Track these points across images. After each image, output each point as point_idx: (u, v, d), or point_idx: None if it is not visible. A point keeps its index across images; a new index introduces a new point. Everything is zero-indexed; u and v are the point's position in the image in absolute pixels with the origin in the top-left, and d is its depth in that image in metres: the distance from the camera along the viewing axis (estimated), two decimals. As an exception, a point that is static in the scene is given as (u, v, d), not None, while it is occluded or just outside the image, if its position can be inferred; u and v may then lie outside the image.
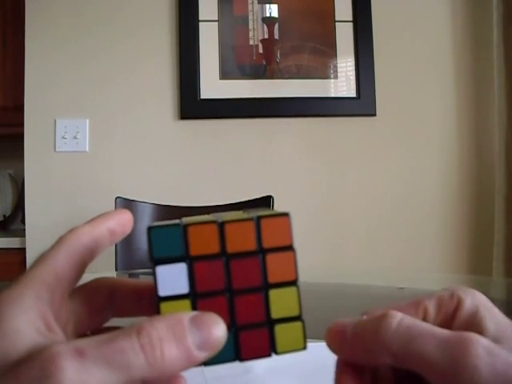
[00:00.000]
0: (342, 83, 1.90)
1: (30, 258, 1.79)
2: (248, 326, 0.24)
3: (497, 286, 1.19)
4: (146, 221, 1.60)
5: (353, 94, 1.89)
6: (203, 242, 0.24)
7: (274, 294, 0.24)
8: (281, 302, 0.24)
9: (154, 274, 0.24)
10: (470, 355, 0.21)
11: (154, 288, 0.24)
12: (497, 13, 1.83)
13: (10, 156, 2.26)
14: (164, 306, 0.24)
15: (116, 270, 1.47)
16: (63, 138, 1.82)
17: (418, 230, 1.89)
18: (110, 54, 1.85)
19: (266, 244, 0.24)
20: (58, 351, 0.20)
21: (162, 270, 0.24)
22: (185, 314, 0.22)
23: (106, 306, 0.28)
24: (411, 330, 0.23)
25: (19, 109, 1.84)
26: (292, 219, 0.25)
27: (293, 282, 0.25)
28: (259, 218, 0.24)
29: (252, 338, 0.24)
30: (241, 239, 0.24)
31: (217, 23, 1.88)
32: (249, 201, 1.60)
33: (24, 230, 1.82)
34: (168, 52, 1.88)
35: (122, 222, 0.28)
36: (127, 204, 1.62)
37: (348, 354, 0.24)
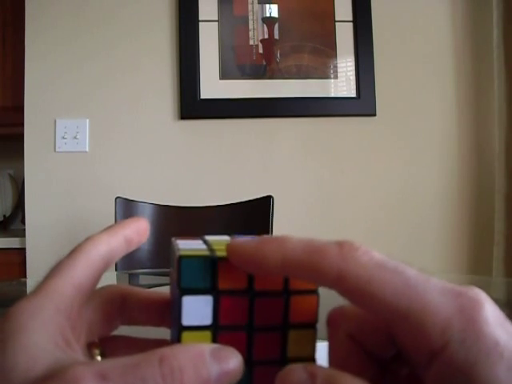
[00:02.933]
0: (342, 83, 1.90)
1: (30, 258, 1.79)
2: (263, 362, 0.25)
3: (497, 286, 1.19)
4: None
5: (353, 93, 1.89)
6: (232, 276, 0.24)
7: (292, 334, 0.25)
8: (298, 342, 0.25)
9: (178, 302, 0.24)
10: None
11: (172, 307, 0.24)
12: (497, 13, 1.83)
13: (10, 156, 2.26)
14: (185, 335, 0.24)
15: (116, 269, 1.47)
16: (63, 138, 1.82)
17: (418, 230, 1.89)
18: (110, 54, 1.85)
19: (292, 285, 0.25)
20: (82, 374, 0.19)
21: (189, 301, 0.24)
22: (206, 345, 0.22)
23: (117, 315, 0.28)
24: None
25: (19, 109, 1.84)
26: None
27: (312, 325, 0.25)
28: None
29: (265, 374, 0.25)
30: (269, 277, 0.24)
31: (217, 23, 1.88)
32: (249, 201, 1.60)
33: (24, 230, 1.82)
34: (168, 52, 1.88)
35: (139, 230, 0.28)
36: (127, 204, 1.62)
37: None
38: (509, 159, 1.80)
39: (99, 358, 0.25)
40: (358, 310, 0.24)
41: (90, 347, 0.26)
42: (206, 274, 0.24)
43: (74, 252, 0.25)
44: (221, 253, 0.24)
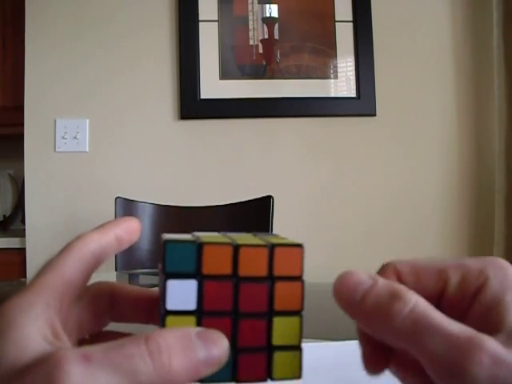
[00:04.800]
0: (342, 83, 1.90)
1: (30, 258, 1.79)
2: (248, 349, 0.25)
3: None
4: (146, 221, 1.60)
5: (353, 94, 1.89)
6: (216, 261, 0.24)
7: (277, 321, 0.25)
8: (283, 330, 0.25)
9: (163, 287, 0.24)
10: (472, 362, 0.20)
11: (160, 299, 0.24)
12: (497, 13, 1.83)
13: (10, 156, 2.26)
14: (170, 319, 0.24)
15: (116, 269, 1.47)
16: (63, 138, 1.82)
17: (418, 230, 1.89)
18: (110, 54, 1.85)
19: (277, 272, 0.25)
20: (64, 356, 0.20)
21: (173, 285, 0.24)
22: (192, 328, 0.22)
23: (106, 311, 0.28)
24: (421, 322, 0.22)
25: (19, 109, 1.84)
26: (305, 251, 0.25)
27: (297, 312, 0.25)
28: (273, 245, 0.25)
29: (250, 361, 0.25)
30: (253, 264, 0.25)
31: (217, 23, 1.88)
32: (249, 201, 1.60)
33: (24, 230, 1.82)
34: (168, 52, 1.87)
35: (130, 229, 0.28)
36: (127, 204, 1.62)
37: (353, 315, 0.24)
38: (509, 159, 1.80)
39: None
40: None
41: (80, 344, 0.26)
42: (191, 259, 0.24)
43: (64, 249, 0.26)
44: (206, 239, 0.25)
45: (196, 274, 0.24)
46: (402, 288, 0.23)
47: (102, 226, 0.28)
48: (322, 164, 1.89)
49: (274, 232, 1.51)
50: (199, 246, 0.24)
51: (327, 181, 1.88)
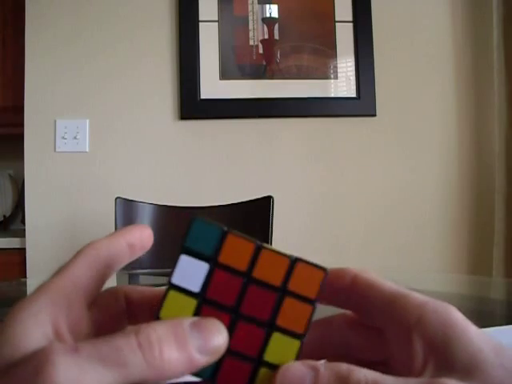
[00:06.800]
0: (342, 83, 1.90)
1: (30, 258, 1.79)
2: (237, 353, 0.24)
3: (497, 285, 1.19)
4: (146, 221, 1.61)
5: (353, 94, 1.89)
6: (235, 254, 0.24)
7: (276, 337, 0.24)
8: (279, 348, 0.24)
9: (176, 261, 0.24)
10: None
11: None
12: (497, 13, 1.83)
13: (10, 156, 2.26)
14: (171, 294, 0.24)
15: (116, 270, 1.47)
16: (63, 138, 1.82)
17: (418, 230, 1.89)
18: (110, 54, 1.85)
19: (291, 287, 0.24)
20: (52, 348, 0.19)
21: (185, 261, 0.24)
22: (185, 318, 0.22)
23: (123, 314, 0.28)
24: None
25: (19, 109, 1.84)
26: (327, 278, 0.24)
27: (299, 335, 0.24)
28: (297, 259, 0.24)
29: (235, 367, 0.24)
30: (270, 270, 0.24)
31: (217, 23, 1.88)
32: (249, 201, 1.60)
33: (24, 230, 1.82)
34: (168, 52, 1.88)
35: (142, 237, 0.28)
36: (127, 204, 1.62)
37: None
38: (509, 159, 1.80)
39: None
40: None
41: None
42: (212, 242, 0.24)
43: (74, 256, 0.25)
44: (234, 230, 0.24)
45: (211, 258, 0.24)
46: (344, 368, 0.22)
47: (112, 234, 0.27)
48: (322, 164, 1.89)
49: (274, 232, 1.51)
50: (224, 233, 0.24)
51: (327, 181, 1.88)
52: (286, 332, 0.24)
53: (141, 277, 1.25)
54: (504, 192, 1.80)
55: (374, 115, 1.89)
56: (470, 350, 0.21)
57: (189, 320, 0.22)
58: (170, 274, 0.24)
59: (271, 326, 0.24)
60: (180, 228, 1.60)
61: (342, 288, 0.26)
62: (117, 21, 1.86)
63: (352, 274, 0.26)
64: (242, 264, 0.24)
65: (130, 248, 0.27)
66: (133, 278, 1.22)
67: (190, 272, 0.24)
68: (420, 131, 1.92)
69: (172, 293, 0.24)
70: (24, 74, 1.83)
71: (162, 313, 0.23)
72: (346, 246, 1.86)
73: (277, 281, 0.24)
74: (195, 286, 0.24)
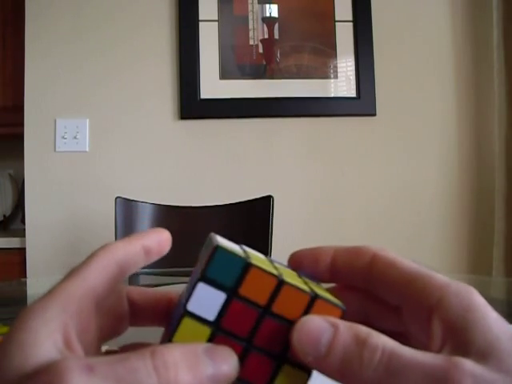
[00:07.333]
0: (342, 83, 1.90)
1: (30, 258, 1.79)
2: (247, 383, 0.24)
3: (497, 286, 1.19)
4: (146, 221, 1.61)
5: (353, 93, 1.89)
6: (256, 287, 0.24)
7: (285, 369, 0.24)
8: (287, 380, 0.24)
9: (192, 287, 0.23)
10: None
11: (181, 298, 0.24)
12: (497, 13, 1.83)
13: (10, 156, 2.26)
14: (186, 321, 0.23)
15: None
16: (63, 137, 1.82)
17: (418, 230, 1.89)
18: (110, 54, 1.85)
19: None
20: (67, 365, 0.19)
21: (203, 288, 0.23)
22: (199, 345, 0.22)
23: (126, 316, 0.28)
24: (394, 364, 0.21)
25: (19, 109, 1.84)
26: (345, 314, 0.24)
27: (308, 369, 0.24)
28: (317, 296, 0.24)
29: None
30: (289, 305, 0.24)
31: (217, 23, 1.88)
32: (249, 201, 1.60)
33: (24, 230, 1.82)
34: (168, 52, 1.88)
35: (160, 241, 0.27)
36: (127, 204, 1.62)
37: (322, 371, 0.23)
38: (509, 159, 1.80)
39: None
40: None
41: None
42: (233, 274, 0.23)
43: (87, 258, 0.25)
44: (255, 262, 0.24)
45: (230, 289, 0.23)
46: (363, 331, 0.22)
47: (128, 237, 0.27)
48: (322, 164, 1.89)
49: (274, 232, 1.51)
50: (247, 265, 0.23)
51: (327, 181, 1.88)
52: (296, 365, 0.24)
53: (141, 277, 1.25)
54: (504, 192, 1.80)
55: (374, 115, 1.89)
56: (489, 337, 0.22)
57: (203, 346, 0.22)
58: (185, 300, 0.24)
59: (282, 359, 0.24)
60: (180, 228, 1.60)
61: (360, 267, 0.26)
62: (117, 21, 1.86)
63: (371, 253, 0.26)
64: (262, 298, 0.24)
65: (146, 252, 0.27)
66: (133, 278, 1.22)
67: (207, 300, 0.23)
68: (420, 131, 1.92)
69: (186, 320, 0.23)
70: (24, 73, 1.83)
71: (176, 337, 0.23)
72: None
73: (295, 315, 0.24)
74: (211, 315, 0.23)
